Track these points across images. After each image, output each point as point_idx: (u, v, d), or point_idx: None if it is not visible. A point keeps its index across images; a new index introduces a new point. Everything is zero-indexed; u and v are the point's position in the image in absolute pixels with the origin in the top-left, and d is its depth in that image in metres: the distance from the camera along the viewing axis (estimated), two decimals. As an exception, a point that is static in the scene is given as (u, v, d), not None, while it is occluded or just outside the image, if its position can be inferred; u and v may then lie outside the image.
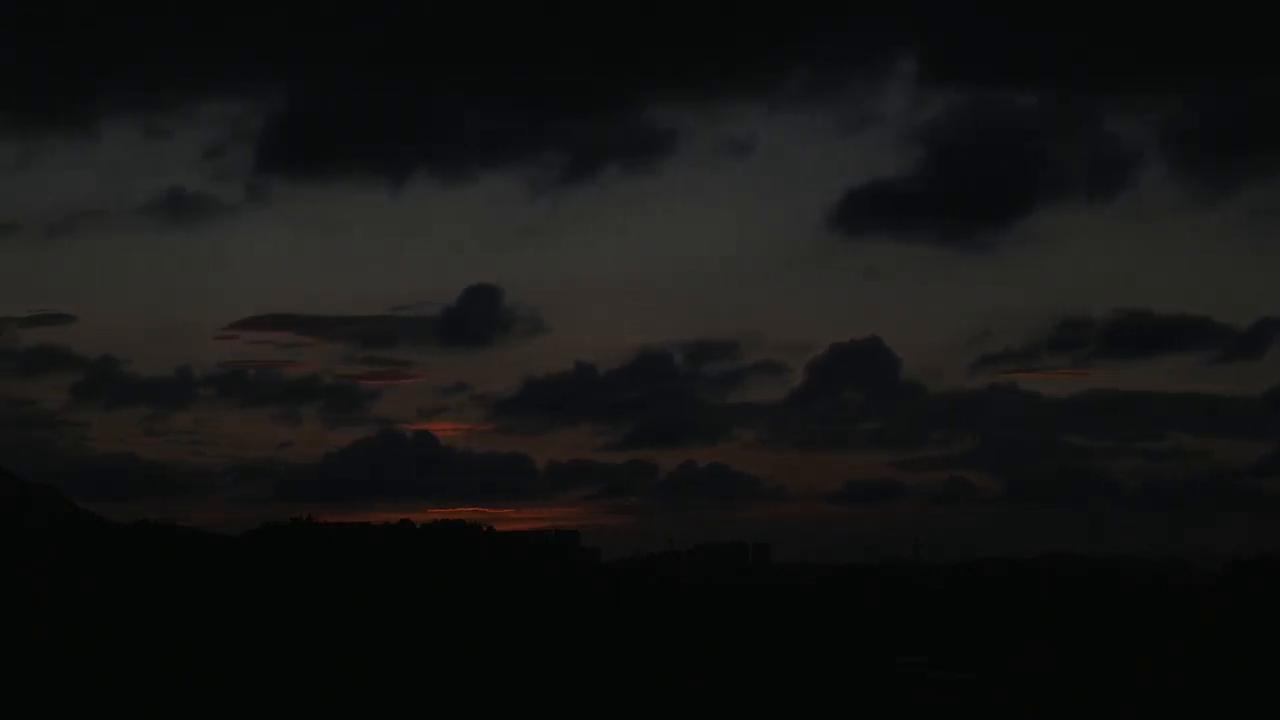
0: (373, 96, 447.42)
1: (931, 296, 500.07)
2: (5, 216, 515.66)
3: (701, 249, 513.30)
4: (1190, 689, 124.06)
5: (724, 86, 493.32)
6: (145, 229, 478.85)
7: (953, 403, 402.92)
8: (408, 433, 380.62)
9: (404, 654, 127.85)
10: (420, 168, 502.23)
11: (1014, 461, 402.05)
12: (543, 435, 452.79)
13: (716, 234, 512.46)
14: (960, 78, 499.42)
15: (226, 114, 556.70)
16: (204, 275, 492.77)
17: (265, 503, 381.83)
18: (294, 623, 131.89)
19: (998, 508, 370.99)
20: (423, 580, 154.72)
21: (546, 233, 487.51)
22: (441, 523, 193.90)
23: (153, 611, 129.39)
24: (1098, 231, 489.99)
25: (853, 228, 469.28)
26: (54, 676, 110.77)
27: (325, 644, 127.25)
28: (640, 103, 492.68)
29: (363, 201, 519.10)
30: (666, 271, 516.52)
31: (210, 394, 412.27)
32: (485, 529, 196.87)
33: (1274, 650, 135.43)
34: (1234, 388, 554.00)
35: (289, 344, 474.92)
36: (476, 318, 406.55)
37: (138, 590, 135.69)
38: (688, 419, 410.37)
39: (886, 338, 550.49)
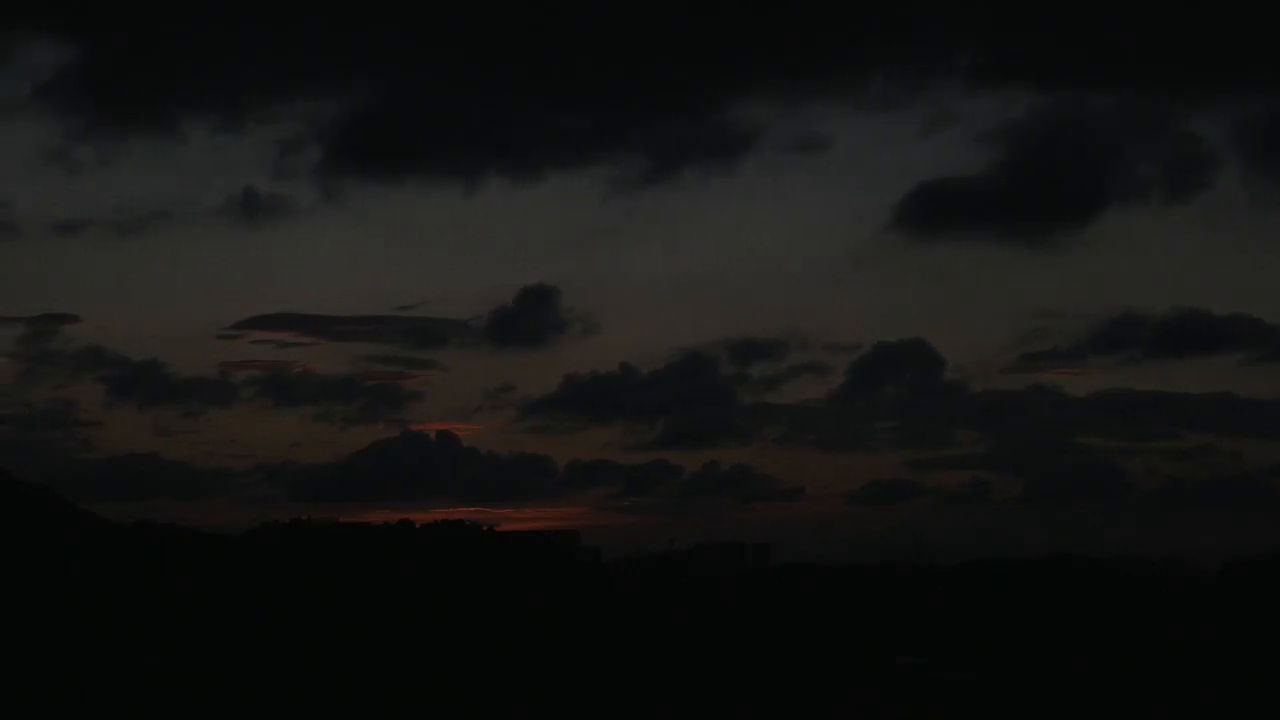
0: (447, 96, 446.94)
1: (991, 297, 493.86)
2: (78, 215, 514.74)
3: (769, 249, 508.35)
4: (1191, 688, 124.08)
5: (803, 87, 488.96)
6: (217, 229, 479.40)
7: (987, 402, 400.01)
8: (430, 433, 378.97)
9: (403, 654, 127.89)
10: (494, 168, 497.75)
11: (1032, 461, 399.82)
12: (570, 435, 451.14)
13: (785, 234, 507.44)
14: (1036, 78, 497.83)
15: (300, 114, 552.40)
16: (271, 275, 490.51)
17: (273, 503, 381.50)
18: (293, 623, 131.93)
19: (1009, 508, 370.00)
20: (421, 580, 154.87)
21: (616, 233, 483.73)
22: (441, 523, 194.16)
23: (153, 611, 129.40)
24: (1166, 232, 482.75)
25: (920, 227, 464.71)
26: (54, 677, 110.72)
27: (325, 644, 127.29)
28: (718, 104, 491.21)
29: (434, 202, 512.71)
30: (730, 272, 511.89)
31: (250, 394, 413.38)
32: (485, 529, 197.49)
33: (1274, 650, 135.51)
34: (1274, 389, 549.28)
35: (338, 342, 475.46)
36: (530, 318, 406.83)
37: (138, 590, 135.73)
38: (721, 419, 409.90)
39: (941, 337, 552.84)
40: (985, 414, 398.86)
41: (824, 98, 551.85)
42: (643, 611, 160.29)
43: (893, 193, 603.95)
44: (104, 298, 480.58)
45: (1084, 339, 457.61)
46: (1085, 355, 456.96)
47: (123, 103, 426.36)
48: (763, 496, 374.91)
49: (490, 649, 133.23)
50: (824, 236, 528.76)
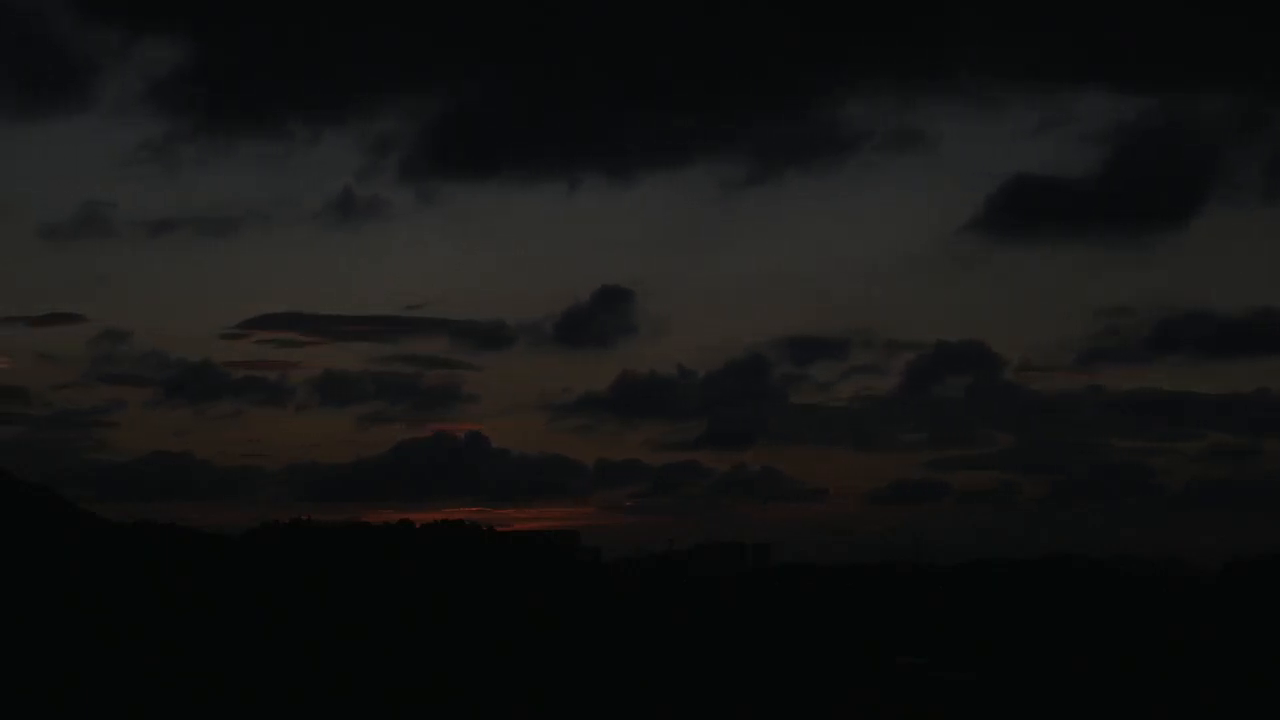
0: (546, 96, 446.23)
1: (1072, 297, 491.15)
2: (174, 215, 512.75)
3: (856, 249, 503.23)
4: (1191, 688, 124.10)
5: (909, 86, 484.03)
6: (313, 230, 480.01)
7: (1034, 403, 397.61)
8: (459, 433, 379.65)
9: (403, 654, 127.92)
10: (591, 169, 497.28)
11: (1055, 462, 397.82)
12: (608, 436, 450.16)
13: (875, 234, 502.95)
14: (1140, 79, 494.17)
15: (398, 115, 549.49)
16: (358, 276, 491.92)
17: (287, 503, 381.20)
18: (293, 623, 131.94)
19: (1023, 508, 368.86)
20: (421, 580, 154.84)
21: (706, 235, 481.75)
22: (441, 523, 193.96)
23: (153, 611, 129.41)
24: (1258, 233, 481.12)
25: (1011, 227, 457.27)
26: (54, 677, 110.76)
27: (325, 644, 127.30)
28: (821, 104, 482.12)
29: (527, 203, 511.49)
30: (810, 272, 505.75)
31: (307, 395, 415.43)
32: (486, 529, 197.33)
33: (1274, 650, 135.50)
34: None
35: (403, 343, 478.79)
36: (601, 320, 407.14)
37: (138, 590, 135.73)
38: (765, 420, 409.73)
39: (1013, 338, 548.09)
40: (1027, 415, 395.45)
41: (929, 97, 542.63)
42: (643, 611, 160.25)
43: (989, 192, 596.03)
44: (193, 298, 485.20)
45: (1152, 339, 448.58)
46: (1150, 355, 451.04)
47: (230, 103, 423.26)
48: (784, 497, 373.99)
49: (490, 649, 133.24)
50: (913, 236, 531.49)
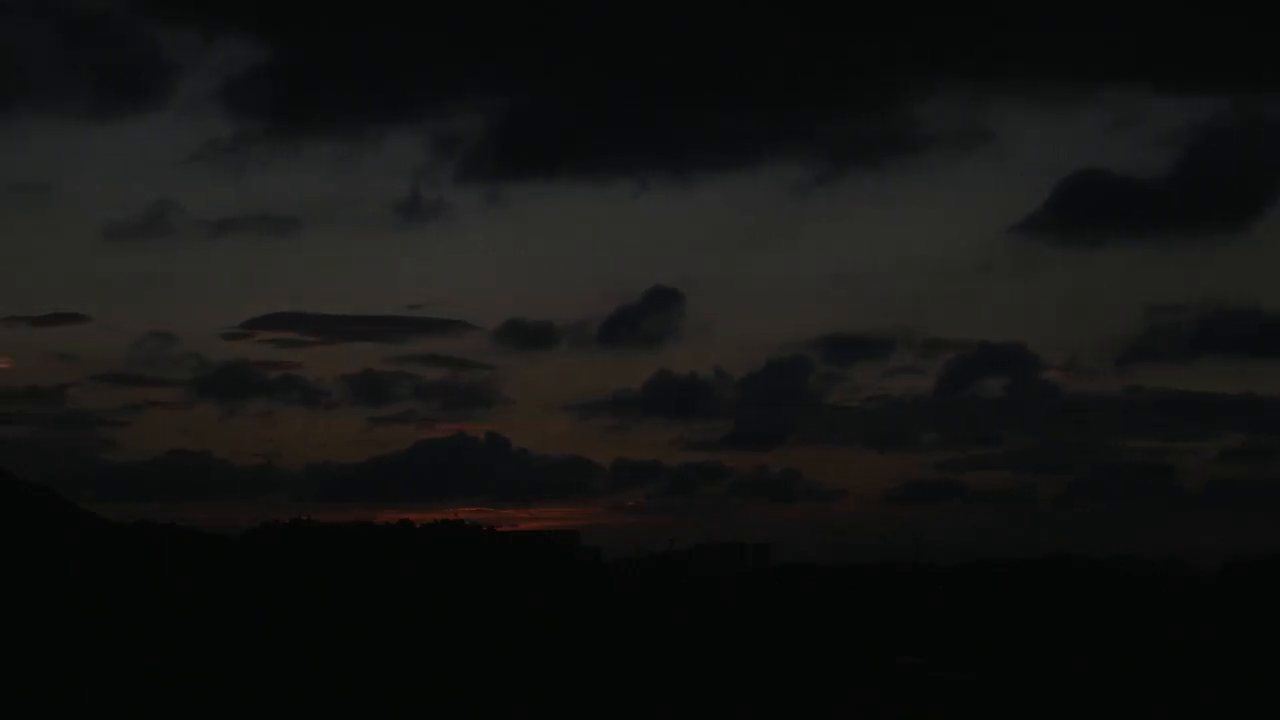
0: (611, 97, 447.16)
1: (1123, 297, 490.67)
2: (238, 214, 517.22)
3: (915, 249, 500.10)
4: (1191, 688, 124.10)
5: (977, 87, 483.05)
6: (379, 230, 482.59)
7: (1066, 404, 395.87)
8: (479, 434, 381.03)
9: (403, 654, 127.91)
10: (656, 169, 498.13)
11: (1073, 461, 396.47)
12: (633, 436, 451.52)
13: (934, 234, 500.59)
14: (1208, 80, 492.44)
15: (464, 116, 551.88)
16: (415, 276, 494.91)
17: (304, 502, 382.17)
18: (293, 623, 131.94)
19: (1029, 508, 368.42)
20: (421, 580, 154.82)
21: (765, 235, 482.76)
22: (441, 523, 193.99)
23: (153, 611, 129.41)
24: None
25: (1072, 228, 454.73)
26: (54, 677, 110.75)
27: (325, 644, 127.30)
28: (889, 104, 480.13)
29: (591, 203, 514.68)
30: (866, 272, 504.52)
31: (342, 394, 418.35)
32: (486, 529, 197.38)
33: (1274, 650, 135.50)
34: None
35: (446, 343, 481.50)
36: (646, 320, 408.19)
37: (138, 590, 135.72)
38: (794, 421, 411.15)
39: (1059, 338, 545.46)
40: (1057, 416, 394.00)
41: (1000, 97, 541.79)
42: (643, 611, 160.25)
43: (1052, 192, 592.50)
44: (254, 297, 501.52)
45: (1195, 339, 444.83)
46: (1191, 355, 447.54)
47: (299, 103, 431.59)
48: (799, 498, 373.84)
49: (490, 649, 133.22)
50: (974, 236, 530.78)
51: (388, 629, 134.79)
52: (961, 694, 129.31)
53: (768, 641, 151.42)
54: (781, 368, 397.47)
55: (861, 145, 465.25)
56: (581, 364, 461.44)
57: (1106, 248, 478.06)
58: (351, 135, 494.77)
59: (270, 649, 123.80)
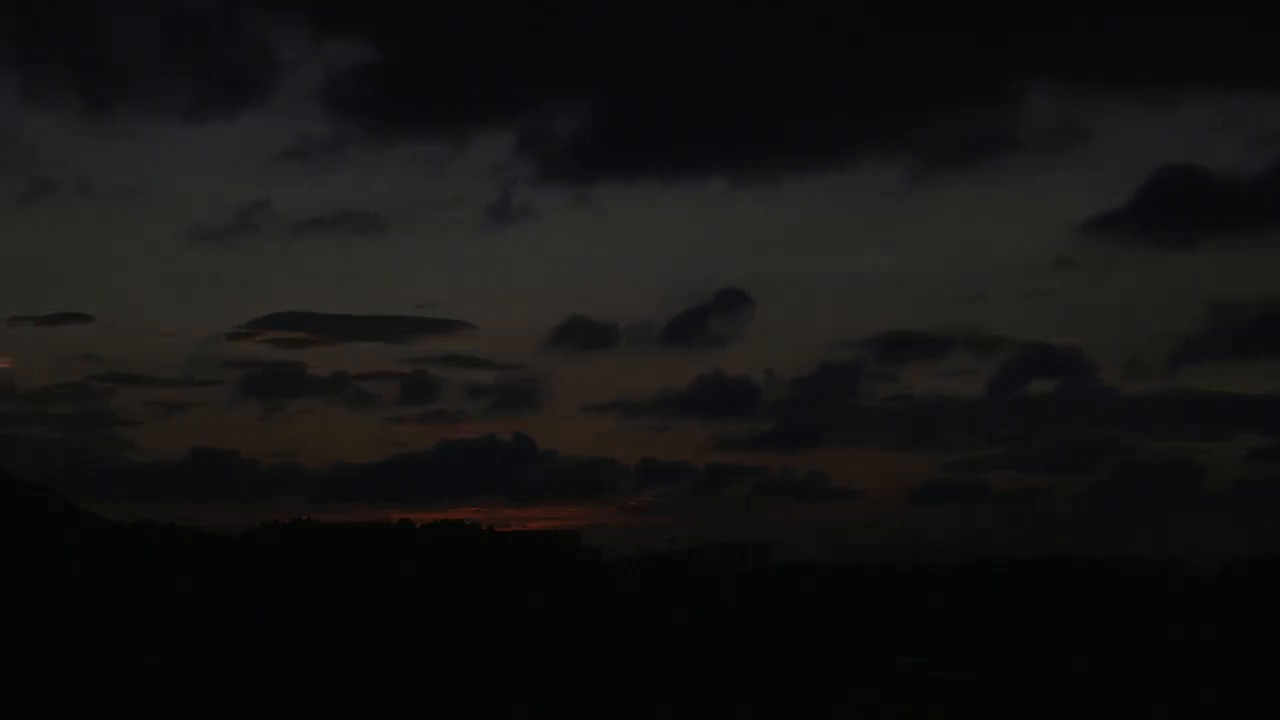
0: (702, 97, 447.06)
1: (1196, 298, 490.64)
2: (323, 214, 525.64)
3: (995, 249, 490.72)
4: (1191, 688, 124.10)
5: (1073, 86, 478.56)
6: (463, 231, 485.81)
7: (1113, 405, 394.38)
8: (505, 434, 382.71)
9: (403, 654, 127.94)
10: (742, 170, 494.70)
11: (1095, 462, 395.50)
12: (670, 437, 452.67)
13: (1018, 234, 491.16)
14: None
15: (553, 116, 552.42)
16: (491, 277, 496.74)
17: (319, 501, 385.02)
18: (293, 623, 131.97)
19: (1056, 509, 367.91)
20: (421, 580, 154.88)
21: (847, 235, 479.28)
22: (441, 523, 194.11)
23: (153, 611, 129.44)
24: None
25: (1157, 228, 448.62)
26: (54, 677, 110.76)
27: (325, 644, 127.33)
28: (983, 103, 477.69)
29: (676, 204, 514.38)
30: (941, 272, 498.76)
31: (390, 395, 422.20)
32: (486, 529, 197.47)
33: (1274, 650, 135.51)
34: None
35: (500, 345, 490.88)
36: (711, 320, 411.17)
37: (138, 590, 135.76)
38: (831, 422, 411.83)
39: (1124, 338, 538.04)
40: (1100, 416, 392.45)
41: (1097, 96, 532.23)
42: (643, 611, 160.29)
43: (1140, 192, 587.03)
44: (339, 297, 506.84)
45: (1250, 339, 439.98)
46: (1245, 356, 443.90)
47: (397, 103, 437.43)
48: (813, 499, 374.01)
49: (490, 649, 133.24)
50: (1058, 235, 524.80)
51: (388, 629, 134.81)
52: (961, 694, 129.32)
53: (768, 641, 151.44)
54: (833, 369, 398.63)
55: (954, 146, 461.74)
56: (636, 365, 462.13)
57: (1190, 248, 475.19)
58: (443, 136, 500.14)
59: (270, 649, 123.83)
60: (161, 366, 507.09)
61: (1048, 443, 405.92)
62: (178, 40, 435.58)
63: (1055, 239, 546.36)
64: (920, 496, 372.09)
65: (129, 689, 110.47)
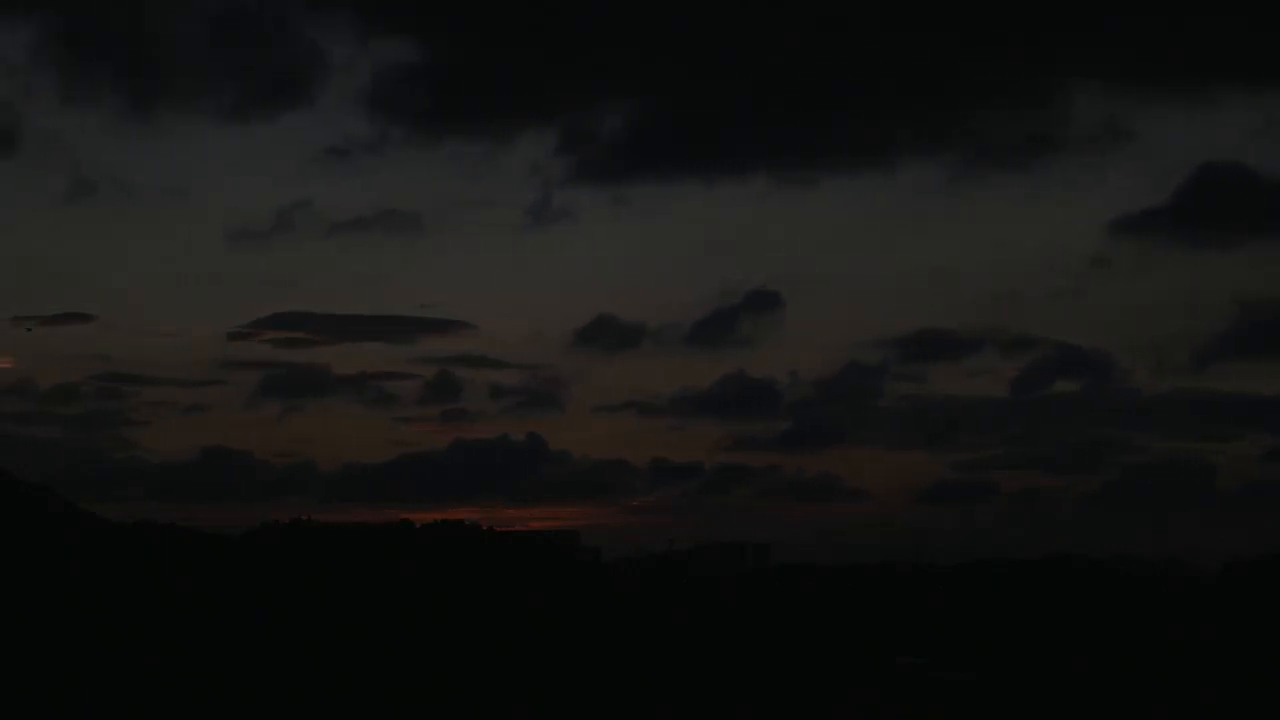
0: (740, 99, 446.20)
1: (1229, 298, 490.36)
2: (362, 214, 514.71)
3: (1033, 249, 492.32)
4: (1191, 688, 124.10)
5: (1116, 86, 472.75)
6: (505, 232, 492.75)
7: (1132, 405, 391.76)
8: (519, 435, 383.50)
9: (403, 654, 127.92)
10: (780, 170, 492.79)
11: (1105, 463, 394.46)
12: (685, 437, 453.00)
13: (1056, 233, 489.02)
14: None
15: (593, 117, 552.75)
16: (531, 277, 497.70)
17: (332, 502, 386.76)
18: (293, 623, 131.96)
19: (1054, 508, 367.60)
20: (421, 580, 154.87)
21: (883, 235, 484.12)
22: (441, 523, 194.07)
23: (153, 611, 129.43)
24: None
25: (1197, 227, 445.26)
26: (54, 676, 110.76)
27: (325, 644, 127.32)
28: (1026, 103, 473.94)
29: (714, 204, 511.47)
30: (975, 272, 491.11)
31: (409, 394, 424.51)
32: (486, 529, 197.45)
33: (1274, 650, 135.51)
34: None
35: (526, 345, 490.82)
36: (740, 321, 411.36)
37: (138, 590, 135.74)
38: (847, 422, 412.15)
39: (1155, 338, 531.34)
40: (1116, 417, 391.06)
41: (1138, 95, 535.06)
42: (643, 611, 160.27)
43: (1180, 192, 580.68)
44: (371, 297, 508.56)
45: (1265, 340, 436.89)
46: (1270, 355, 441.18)
47: (441, 104, 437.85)
48: (821, 499, 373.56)
49: (490, 649, 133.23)
50: (1095, 235, 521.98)
51: (388, 629, 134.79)
52: (961, 694, 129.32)
53: (768, 641, 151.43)
54: (858, 369, 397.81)
55: (995, 146, 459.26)
56: (660, 365, 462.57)
57: (1226, 247, 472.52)
58: (485, 136, 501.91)
59: (270, 649, 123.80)
60: (185, 366, 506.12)
61: (1060, 443, 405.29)
62: (225, 40, 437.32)
63: (1092, 238, 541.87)
64: (927, 497, 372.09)
65: (129, 689, 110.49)
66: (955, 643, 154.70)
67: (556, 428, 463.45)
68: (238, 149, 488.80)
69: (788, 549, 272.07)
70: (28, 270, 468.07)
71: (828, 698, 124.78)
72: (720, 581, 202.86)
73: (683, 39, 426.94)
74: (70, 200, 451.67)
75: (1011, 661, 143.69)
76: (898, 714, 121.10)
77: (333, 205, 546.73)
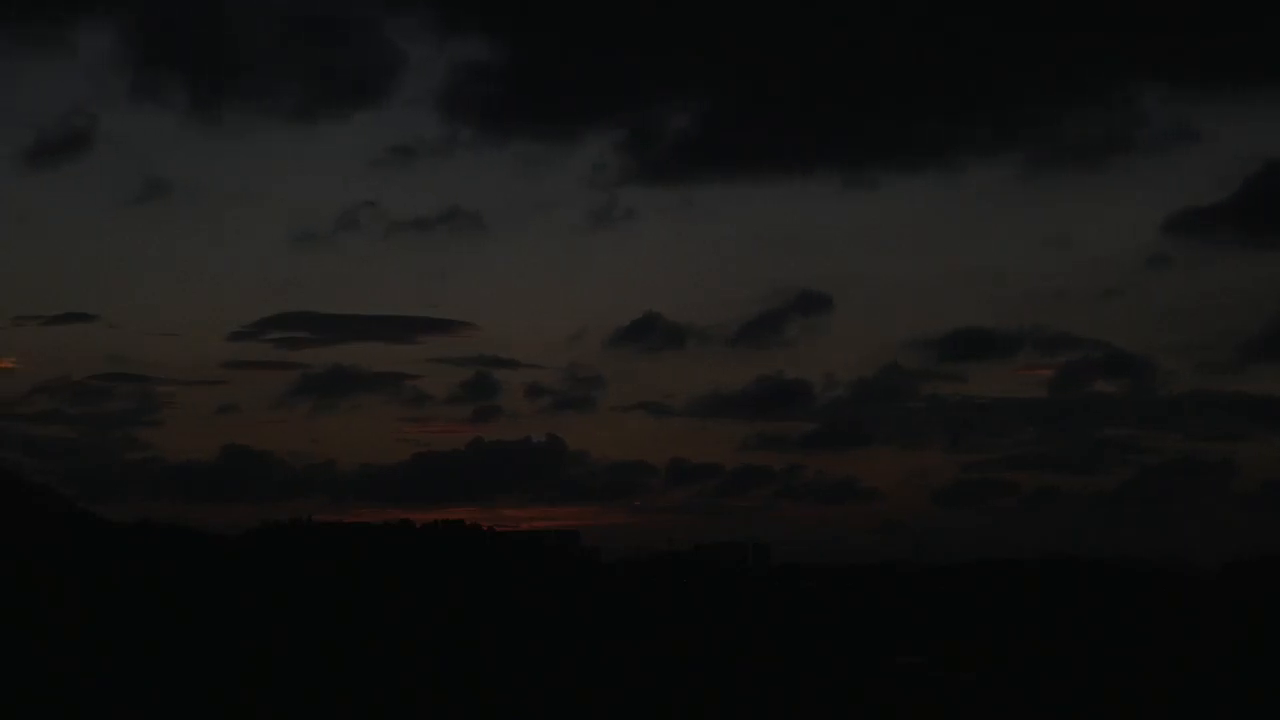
0: (809, 99, 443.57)
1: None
2: (425, 214, 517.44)
3: (1088, 248, 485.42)
4: (1190, 688, 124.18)
5: (1177, 84, 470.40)
6: (567, 232, 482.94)
7: (1164, 405, 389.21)
8: (540, 436, 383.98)
9: (403, 654, 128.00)
10: (838, 170, 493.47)
11: (1119, 463, 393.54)
12: (702, 438, 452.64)
13: (1111, 233, 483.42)
14: None
15: (653, 117, 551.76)
16: (586, 277, 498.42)
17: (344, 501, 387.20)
18: (294, 623, 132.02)
19: (1062, 509, 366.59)
20: (421, 580, 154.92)
21: (938, 234, 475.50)
22: (440, 523, 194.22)
23: (153, 611, 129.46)
24: None
25: (1255, 227, 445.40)
26: (54, 677, 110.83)
27: (325, 644, 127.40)
28: (1087, 102, 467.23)
29: (772, 205, 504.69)
30: (1028, 272, 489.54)
31: (441, 394, 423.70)
32: (486, 529, 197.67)
33: (1274, 650, 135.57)
34: None
35: (568, 346, 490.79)
36: (787, 322, 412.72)
37: (138, 590, 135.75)
38: (875, 422, 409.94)
39: (1201, 339, 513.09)
40: (1143, 417, 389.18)
41: (1204, 94, 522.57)
42: (643, 611, 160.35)
43: (1240, 192, 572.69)
44: (423, 296, 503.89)
45: None
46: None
47: (510, 104, 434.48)
48: (833, 500, 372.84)
49: (490, 649, 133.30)
50: (1150, 233, 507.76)
51: (387, 629, 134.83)
52: (961, 694, 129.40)
53: (768, 641, 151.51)
54: (897, 369, 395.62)
55: (1062, 147, 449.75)
56: (699, 365, 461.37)
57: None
58: (552, 136, 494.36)
59: (270, 649, 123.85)
60: (208, 366, 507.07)
61: (1082, 444, 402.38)
62: (301, 40, 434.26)
63: (1150, 238, 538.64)
64: (940, 498, 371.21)
65: (129, 689, 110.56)
66: (955, 643, 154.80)
67: (584, 428, 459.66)
68: (307, 149, 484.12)
69: (789, 549, 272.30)
70: (93, 269, 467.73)
71: (828, 697, 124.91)
72: (720, 581, 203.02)
73: (747, 38, 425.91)
74: (139, 201, 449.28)
75: (1011, 661, 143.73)
76: (898, 714, 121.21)
77: (396, 205, 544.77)
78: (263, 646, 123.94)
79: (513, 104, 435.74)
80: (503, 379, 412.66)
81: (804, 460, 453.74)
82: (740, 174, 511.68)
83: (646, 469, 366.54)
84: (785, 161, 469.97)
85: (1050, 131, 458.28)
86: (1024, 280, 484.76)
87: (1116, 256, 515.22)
